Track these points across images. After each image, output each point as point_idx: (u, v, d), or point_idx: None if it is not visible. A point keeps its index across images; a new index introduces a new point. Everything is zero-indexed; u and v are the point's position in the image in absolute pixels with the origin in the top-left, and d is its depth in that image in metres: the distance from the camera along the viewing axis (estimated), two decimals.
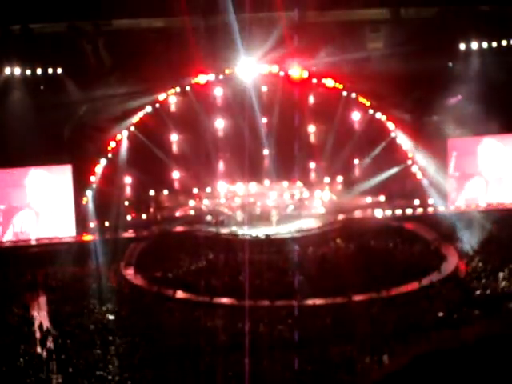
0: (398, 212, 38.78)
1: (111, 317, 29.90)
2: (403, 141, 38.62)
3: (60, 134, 37.12)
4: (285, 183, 40.50)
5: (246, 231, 36.94)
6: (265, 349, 25.66)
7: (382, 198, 39.36)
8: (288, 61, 38.24)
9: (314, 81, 38.99)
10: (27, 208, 36.97)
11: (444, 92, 38.66)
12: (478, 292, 31.03)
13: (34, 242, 37.06)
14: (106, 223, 37.44)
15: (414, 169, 38.70)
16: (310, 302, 30.11)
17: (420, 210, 38.98)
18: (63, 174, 37.14)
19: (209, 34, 36.24)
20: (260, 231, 37.01)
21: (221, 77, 38.45)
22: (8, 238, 36.86)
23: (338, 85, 38.58)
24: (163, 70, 36.88)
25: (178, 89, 38.46)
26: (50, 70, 37.49)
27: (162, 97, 38.27)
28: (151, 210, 39.27)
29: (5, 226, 36.83)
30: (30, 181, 36.94)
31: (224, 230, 37.36)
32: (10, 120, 35.92)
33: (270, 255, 34.76)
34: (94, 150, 37.22)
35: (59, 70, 37.57)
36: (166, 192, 39.77)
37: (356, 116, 39.58)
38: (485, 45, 38.84)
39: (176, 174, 39.75)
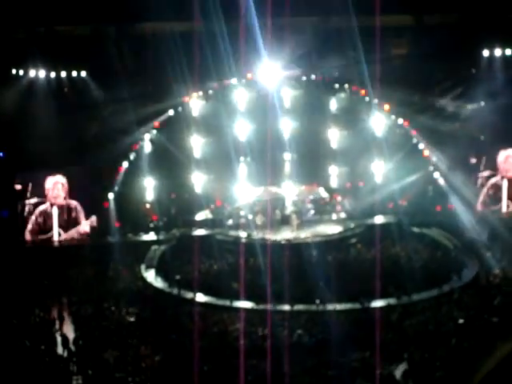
0: (419, 218, 38.73)
1: (132, 319, 30.02)
2: (425, 147, 38.56)
3: (83, 136, 37.38)
4: (306, 188, 40.48)
5: (267, 235, 37.01)
6: (284, 353, 25.68)
7: (403, 204, 39.34)
8: (310, 65, 38.32)
9: (337, 86, 39.07)
10: (49, 209, 37.31)
11: (467, 99, 38.60)
12: (498, 299, 30.87)
13: (56, 243, 37.37)
14: (128, 225, 37.67)
15: (436, 175, 38.63)
16: (329, 307, 30.09)
17: (441, 217, 38.90)
18: (86, 176, 37.45)
19: (232, 38, 36.31)
20: (281, 235, 37.05)
21: (243, 81, 38.57)
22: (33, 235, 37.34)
23: (360, 90, 38.62)
24: (186, 73, 37.02)
25: (200, 92, 38.62)
26: (75, 73, 37.79)
27: (185, 100, 38.45)
28: (172, 212, 39.41)
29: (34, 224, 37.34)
30: (53, 182, 37.24)
31: (244, 234, 37.43)
32: (34, 122, 36.14)
33: (291, 260, 34.75)
34: (116, 152, 37.44)
35: (83, 73, 37.87)
36: (187, 195, 39.90)
37: (378, 121, 39.55)
38: (508, 52, 38.72)
39: (198, 177, 39.86)
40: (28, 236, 37.19)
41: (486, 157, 39.61)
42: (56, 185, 37.37)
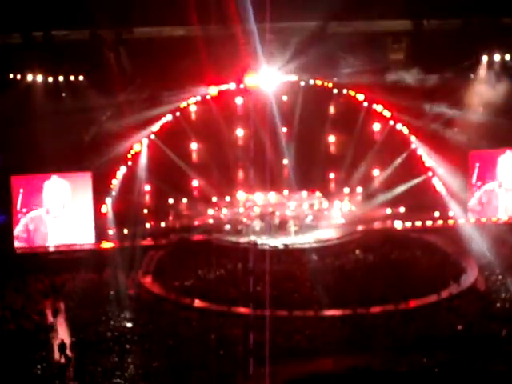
0: (418, 223, 38.68)
1: (129, 325, 29.90)
2: (424, 152, 38.51)
3: (81, 141, 37.31)
4: (304, 193, 40.39)
5: (265, 241, 36.90)
6: (282, 359, 25.61)
7: (401, 210, 39.29)
8: (308, 71, 38.27)
9: (335, 91, 39.01)
10: (46, 213, 37.19)
11: (465, 104, 38.60)
12: (497, 305, 30.81)
13: (52, 249, 37.23)
14: (125, 231, 37.55)
15: (435, 180, 38.57)
16: (327, 312, 29.98)
17: (440, 222, 38.84)
18: (83, 181, 37.35)
19: (230, 43, 36.24)
20: (278, 241, 36.94)
21: (241, 86, 38.49)
22: (25, 242, 37.14)
23: (358, 96, 38.58)
24: (184, 78, 36.99)
25: (198, 97, 38.55)
26: (72, 78, 37.70)
27: (182, 105, 38.39)
28: (170, 218, 39.32)
29: (23, 231, 37.10)
30: (50, 187, 37.13)
31: (242, 240, 37.31)
32: (32, 127, 36.03)
33: (289, 265, 34.68)
34: (114, 157, 37.31)
35: (81, 78, 37.78)
36: (185, 200, 39.79)
37: (376, 127, 39.52)
38: (507, 57, 38.68)
39: (195, 183, 39.79)
40: (19, 244, 36.99)
41: (484, 163, 39.53)
42: (54, 190, 37.23)
